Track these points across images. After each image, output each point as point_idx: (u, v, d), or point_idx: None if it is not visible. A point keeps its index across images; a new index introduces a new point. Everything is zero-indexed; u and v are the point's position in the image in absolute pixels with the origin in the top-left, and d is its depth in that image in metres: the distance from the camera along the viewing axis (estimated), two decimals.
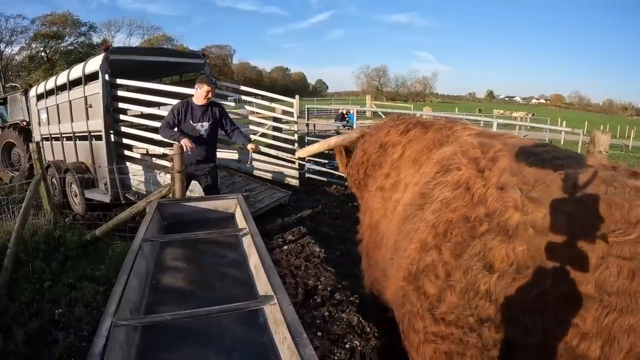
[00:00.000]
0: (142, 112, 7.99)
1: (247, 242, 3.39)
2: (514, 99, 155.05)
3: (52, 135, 9.73)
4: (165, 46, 56.52)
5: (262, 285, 2.65)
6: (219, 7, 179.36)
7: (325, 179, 10.02)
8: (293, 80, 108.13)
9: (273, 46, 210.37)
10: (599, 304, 1.58)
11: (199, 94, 5.31)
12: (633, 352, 1.51)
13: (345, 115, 25.25)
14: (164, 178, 7.31)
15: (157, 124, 7.77)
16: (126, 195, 7.76)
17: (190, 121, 5.27)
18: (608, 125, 38.95)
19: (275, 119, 9.61)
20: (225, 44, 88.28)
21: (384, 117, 30.78)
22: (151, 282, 2.78)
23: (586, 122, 36.30)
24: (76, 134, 8.68)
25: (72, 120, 8.62)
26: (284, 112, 9.98)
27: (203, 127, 5.33)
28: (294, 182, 9.29)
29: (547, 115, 46.38)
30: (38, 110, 10.38)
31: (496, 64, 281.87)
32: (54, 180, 9.06)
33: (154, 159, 7.86)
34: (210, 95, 5.32)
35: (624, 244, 1.60)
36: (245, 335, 2.47)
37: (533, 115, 46.97)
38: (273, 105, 9.73)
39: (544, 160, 2.10)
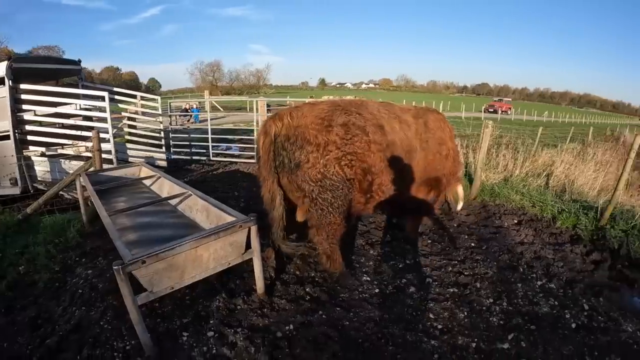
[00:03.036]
0: (56, 112, 9.22)
1: (161, 181, 5.97)
2: (345, 85, 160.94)
3: None
4: None
5: (177, 189, 5.21)
6: (43, 3, 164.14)
7: (188, 157, 12.43)
8: (124, 80, 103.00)
9: (103, 44, 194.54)
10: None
11: None
12: None
13: (189, 110, 26.47)
14: (69, 165, 8.86)
15: (58, 120, 9.51)
16: (33, 184, 8.93)
17: None
18: (423, 102, 44.68)
19: (144, 113, 11.45)
20: (54, 44, 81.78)
21: (221, 110, 32.67)
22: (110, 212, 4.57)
23: (404, 101, 41.25)
24: None
25: None
26: (146, 107, 11.69)
27: None
28: (163, 163, 11.27)
29: (375, 97, 51.06)
30: None
31: (328, 53, 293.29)
32: None
33: (58, 149, 9.08)
34: None
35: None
36: (175, 216, 4.92)
37: (355, 97, 51.42)
38: (141, 102, 11.40)
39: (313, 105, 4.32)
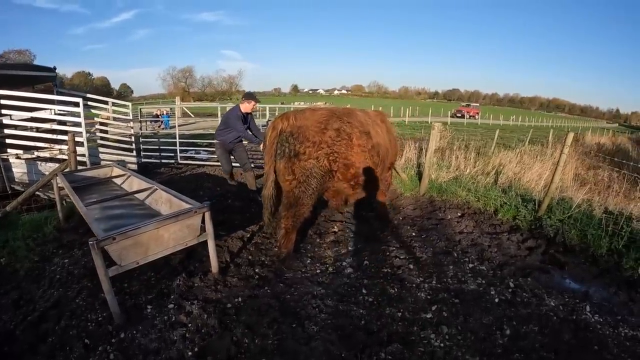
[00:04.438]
0: (31, 117, 9.60)
1: (130, 179, 6.38)
2: (318, 91, 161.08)
3: None
4: None
5: (145, 185, 5.68)
6: (14, 5, 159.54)
7: (158, 161, 12.77)
8: (96, 85, 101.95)
9: (74, 49, 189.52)
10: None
11: (248, 106, 7.92)
12: None
13: (159, 116, 26.89)
14: (45, 167, 9.21)
15: (34, 125, 9.69)
16: (11, 185, 9.23)
17: (243, 123, 7.91)
18: (392, 107, 45.72)
19: (115, 119, 11.82)
20: (25, 48, 79.63)
21: (192, 116, 32.88)
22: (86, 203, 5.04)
23: (372, 107, 42.08)
24: None
25: None
26: (118, 112, 12.01)
27: (245, 126, 7.99)
28: (133, 166, 11.57)
29: (347, 104, 51.82)
30: None
31: (301, 60, 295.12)
32: None
33: (35, 152, 9.30)
34: (255, 107, 8.07)
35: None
36: (142, 208, 5.38)
37: (325, 103, 52.32)
38: (113, 107, 11.70)
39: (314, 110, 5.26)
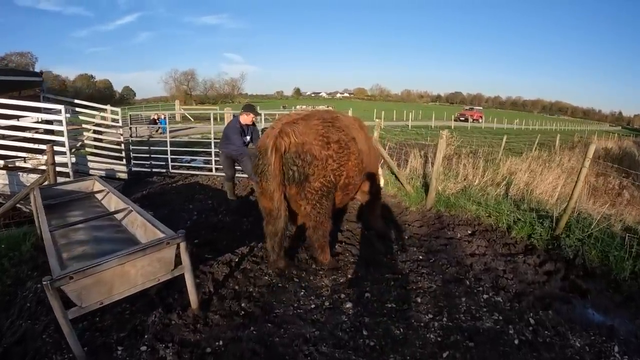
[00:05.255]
0: (13, 125, 8.98)
1: (109, 196, 5.91)
2: (320, 94, 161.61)
3: None
4: None
5: (122, 205, 5.18)
6: (18, 7, 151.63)
7: (149, 170, 12.22)
8: (98, 88, 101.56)
9: (77, 51, 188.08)
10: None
11: (247, 118, 7.71)
12: None
13: (157, 120, 26.40)
14: (27, 178, 8.77)
15: (17, 134, 9.14)
16: None
17: (242, 136, 7.68)
18: (394, 111, 45.23)
19: (105, 126, 11.40)
20: (27, 50, 79.25)
21: (192, 120, 32.46)
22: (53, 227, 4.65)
23: (375, 110, 41.82)
24: None
25: None
26: (112, 120, 11.68)
27: (246, 138, 7.81)
28: (123, 175, 11.18)
29: (349, 107, 51.80)
30: None
31: (303, 63, 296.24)
32: None
33: (17, 162, 8.90)
34: (254, 120, 7.88)
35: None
36: (118, 231, 4.88)
37: (328, 106, 51.96)
38: (103, 114, 11.37)
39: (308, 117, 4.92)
